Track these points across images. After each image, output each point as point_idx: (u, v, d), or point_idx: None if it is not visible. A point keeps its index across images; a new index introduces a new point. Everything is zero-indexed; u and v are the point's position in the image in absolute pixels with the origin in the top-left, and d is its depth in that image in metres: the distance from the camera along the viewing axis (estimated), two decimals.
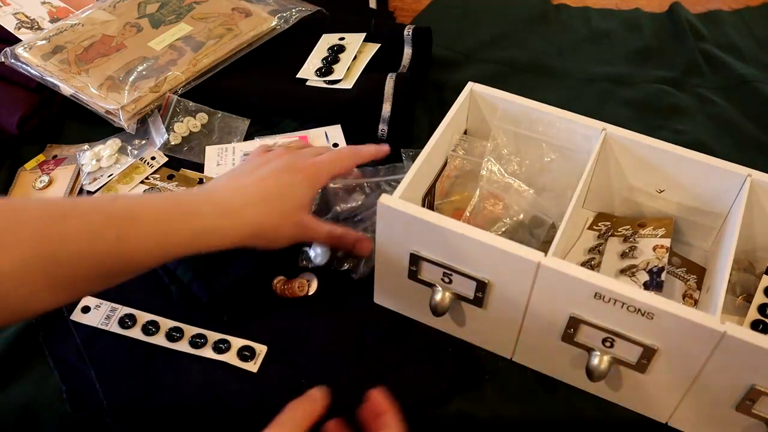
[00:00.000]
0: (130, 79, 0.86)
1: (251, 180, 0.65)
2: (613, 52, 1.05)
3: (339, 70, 0.91)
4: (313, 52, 0.95)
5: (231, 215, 0.61)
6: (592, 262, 0.73)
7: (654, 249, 0.72)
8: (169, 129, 0.85)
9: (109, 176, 0.82)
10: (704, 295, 0.67)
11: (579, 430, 0.64)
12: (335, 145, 0.85)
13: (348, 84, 0.90)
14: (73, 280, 0.54)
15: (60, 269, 0.52)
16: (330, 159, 0.69)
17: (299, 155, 0.69)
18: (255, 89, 0.90)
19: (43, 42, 0.90)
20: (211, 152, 0.85)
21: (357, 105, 0.87)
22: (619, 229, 0.75)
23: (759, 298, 0.67)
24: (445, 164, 0.74)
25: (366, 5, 1.08)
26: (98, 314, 0.69)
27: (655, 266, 0.70)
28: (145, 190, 0.81)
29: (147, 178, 0.82)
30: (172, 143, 0.85)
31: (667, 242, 0.72)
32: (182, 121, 0.86)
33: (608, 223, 0.76)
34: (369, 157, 0.72)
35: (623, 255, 0.72)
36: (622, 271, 0.71)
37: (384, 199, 0.62)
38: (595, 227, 0.76)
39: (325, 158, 0.69)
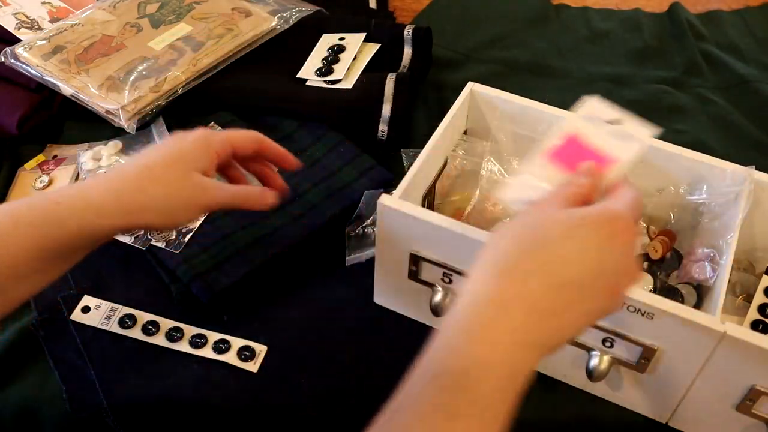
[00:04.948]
0: (130, 79, 0.86)
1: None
2: (613, 52, 1.05)
3: (339, 70, 0.91)
4: (313, 52, 0.95)
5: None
6: None
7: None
8: None
9: None
10: (704, 295, 0.67)
11: (579, 430, 0.64)
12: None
13: (348, 84, 0.90)
14: (62, 258, 0.57)
15: (53, 249, 0.55)
16: (228, 132, 0.66)
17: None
18: (255, 89, 0.90)
19: (43, 42, 0.89)
20: None
21: (357, 105, 0.86)
22: None
23: (759, 298, 0.67)
24: (445, 164, 0.74)
25: (366, 5, 1.08)
26: (98, 314, 0.69)
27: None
28: None
29: None
30: None
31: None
32: None
33: None
34: (273, 149, 0.67)
35: None
36: None
37: (384, 199, 0.62)
38: None
39: (225, 131, 0.65)
